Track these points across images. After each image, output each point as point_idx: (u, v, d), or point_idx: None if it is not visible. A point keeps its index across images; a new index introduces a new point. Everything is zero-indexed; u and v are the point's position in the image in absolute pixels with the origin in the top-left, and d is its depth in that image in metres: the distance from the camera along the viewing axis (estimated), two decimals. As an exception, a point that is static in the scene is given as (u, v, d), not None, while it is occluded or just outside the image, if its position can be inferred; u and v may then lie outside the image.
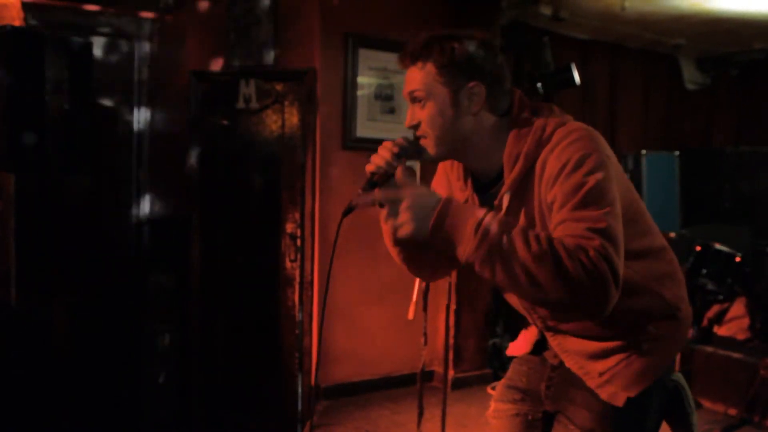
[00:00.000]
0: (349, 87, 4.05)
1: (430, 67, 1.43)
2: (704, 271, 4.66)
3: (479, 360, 4.53)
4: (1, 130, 3.45)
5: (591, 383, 1.53)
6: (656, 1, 4.33)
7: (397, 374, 4.39)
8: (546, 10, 4.71)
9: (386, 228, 1.53)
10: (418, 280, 3.50)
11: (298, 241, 4.02)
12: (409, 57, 1.46)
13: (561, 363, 1.62)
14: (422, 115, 1.46)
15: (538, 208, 1.42)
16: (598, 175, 1.32)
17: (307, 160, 3.98)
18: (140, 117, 4.58)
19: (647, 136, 5.80)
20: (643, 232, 1.49)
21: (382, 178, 1.42)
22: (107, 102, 4.42)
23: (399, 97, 4.16)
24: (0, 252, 3.45)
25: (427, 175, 1.82)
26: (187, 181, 4.19)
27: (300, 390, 4.12)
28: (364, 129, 4.10)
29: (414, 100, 1.47)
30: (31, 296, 3.59)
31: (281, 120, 4.08)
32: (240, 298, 4.21)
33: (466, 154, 1.50)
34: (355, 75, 4.06)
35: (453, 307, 4.05)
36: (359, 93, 4.09)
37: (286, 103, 4.06)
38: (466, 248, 1.27)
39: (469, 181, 1.55)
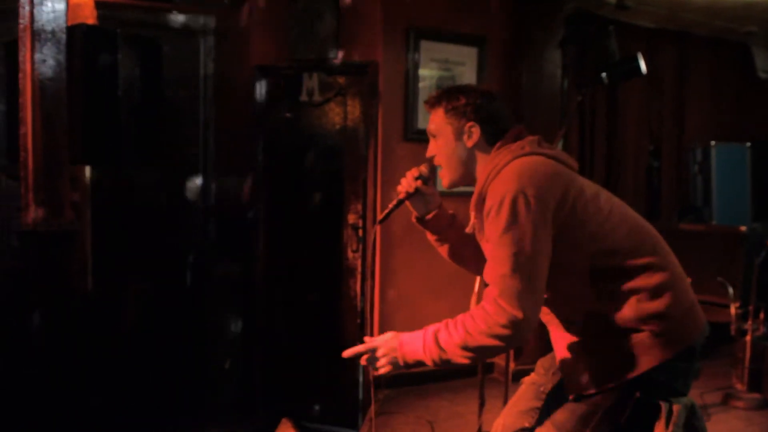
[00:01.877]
0: (410, 79, 4.07)
1: (440, 111, 1.85)
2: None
3: (539, 353, 4.48)
4: (78, 125, 3.60)
5: (564, 373, 1.81)
6: (727, -14, 4.20)
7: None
8: (611, -1, 4.61)
9: (427, 235, 2.06)
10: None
11: (360, 232, 4.07)
12: (427, 103, 1.91)
13: None
14: (436, 147, 1.88)
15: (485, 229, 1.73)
16: (512, 220, 1.60)
17: (369, 151, 4.02)
18: (206, 111, 4.70)
19: (717, 127, 5.61)
20: (602, 250, 1.68)
21: (408, 196, 1.98)
22: (175, 97, 4.55)
23: (460, 88, 4.15)
24: (77, 242, 3.60)
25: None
26: (252, 173, 4.29)
27: (361, 379, 4.17)
28: (425, 121, 4.09)
29: (430, 135, 1.90)
30: (106, 284, 3.75)
31: (344, 113, 4.13)
32: (303, 288, 4.29)
33: (470, 180, 1.85)
34: (416, 67, 4.07)
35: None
36: (420, 85, 4.10)
37: (349, 96, 4.10)
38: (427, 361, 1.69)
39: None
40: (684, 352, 1.64)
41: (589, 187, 1.74)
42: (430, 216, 1.99)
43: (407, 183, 1.96)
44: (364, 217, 4.06)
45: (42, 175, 3.35)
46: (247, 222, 4.33)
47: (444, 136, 1.84)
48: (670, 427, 1.61)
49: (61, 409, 3.29)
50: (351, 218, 4.10)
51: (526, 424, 1.88)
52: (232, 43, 4.60)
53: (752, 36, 5.30)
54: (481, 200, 1.74)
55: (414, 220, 2.05)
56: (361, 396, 4.19)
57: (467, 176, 1.85)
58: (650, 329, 1.63)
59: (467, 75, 4.20)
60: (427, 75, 4.11)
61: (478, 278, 3.45)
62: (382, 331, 4.20)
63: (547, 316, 1.80)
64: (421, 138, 4.15)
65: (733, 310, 4.08)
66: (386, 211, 1.99)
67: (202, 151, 4.58)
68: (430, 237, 2.05)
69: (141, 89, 3.98)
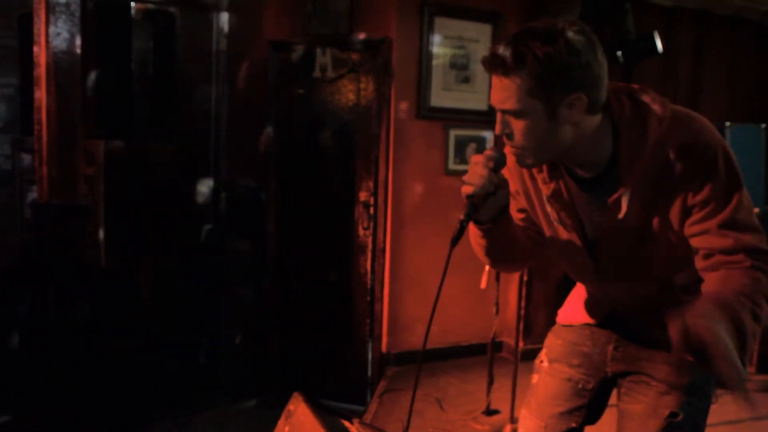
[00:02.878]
0: (424, 56, 4.03)
1: (523, 80, 1.29)
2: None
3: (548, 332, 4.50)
4: (91, 99, 3.61)
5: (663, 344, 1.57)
6: (748, -36, 4.13)
7: (467, 343, 4.41)
8: (628, -24, 4.54)
9: (478, 241, 1.55)
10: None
11: (372, 210, 4.07)
12: (500, 69, 1.31)
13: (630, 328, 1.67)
14: (516, 127, 1.36)
15: (680, 206, 1.39)
16: (736, 175, 1.35)
17: (381, 129, 4.00)
18: (219, 87, 4.70)
19: (733, 107, 5.54)
20: None
21: (482, 200, 1.41)
22: (189, 72, 4.55)
23: (474, 65, 4.12)
24: (91, 216, 3.62)
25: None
26: (264, 148, 4.29)
27: (370, 355, 4.21)
28: (438, 98, 4.08)
29: (507, 112, 1.35)
30: (118, 257, 3.78)
31: (356, 89, 4.12)
32: (314, 264, 4.31)
33: (569, 154, 1.42)
34: (430, 44, 4.04)
35: (525, 278, 4.02)
36: (434, 62, 4.07)
37: (362, 72, 4.08)
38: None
39: (562, 173, 1.49)
40: None
41: None
42: (501, 214, 1.48)
43: (480, 178, 1.39)
44: (375, 195, 4.06)
45: (56, 148, 3.37)
46: (259, 198, 4.34)
47: (532, 116, 1.32)
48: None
49: (73, 381, 3.34)
50: (362, 196, 4.11)
51: (573, 425, 1.74)
52: (245, 18, 4.58)
53: (772, 15, 5.22)
54: (649, 164, 1.36)
55: (473, 225, 1.51)
56: (370, 372, 4.23)
57: (562, 154, 1.42)
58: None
59: (482, 52, 4.16)
60: (441, 52, 4.08)
61: (487, 267, 3.45)
62: (391, 309, 4.23)
63: (635, 297, 1.61)
64: (434, 116, 4.15)
65: (744, 292, 4.06)
66: (458, 228, 1.41)
67: (214, 127, 4.59)
68: (478, 235, 1.54)
69: (154, 63, 3.98)
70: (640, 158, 1.37)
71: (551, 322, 1.97)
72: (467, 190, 1.40)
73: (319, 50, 4.13)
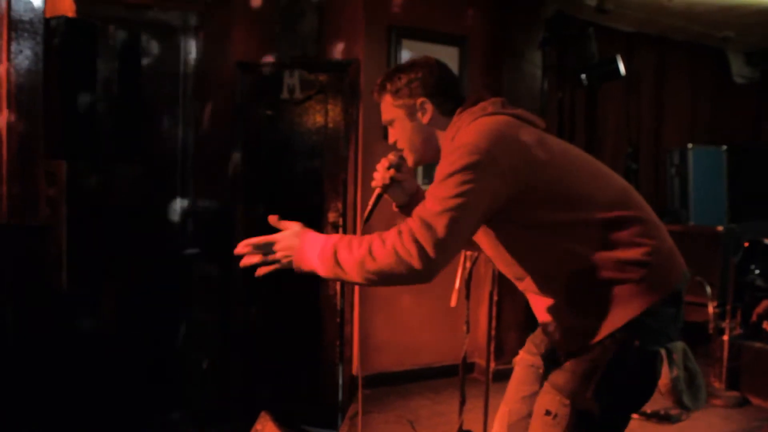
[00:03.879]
0: (392, 77, 4.06)
1: (387, 97, 1.81)
2: (753, 266, 4.56)
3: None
4: (54, 119, 3.54)
5: (554, 338, 1.72)
6: (704, -10, 4.27)
7: (438, 365, 4.38)
8: (591, 2, 4.65)
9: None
10: (461, 269, 3.49)
11: (341, 231, 4.05)
12: (375, 93, 1.86)
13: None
14: (393, 134, 1.85)
15: None
16: (458, 177, 1.54)
17: (349, 150, 4.00)
18: (186, 109, 4.66)
19: (694, 130, 5.68)
20: (571, 205, 1.62)
21: (384, 190, 1.93)
22: (155, 94, 4.50)
23: (442, 87, 4.16)
24: (52, 238, 3.53)
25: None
26: (232, 170, 4.25)
27: (341, 379, 4.14)
28: (406, 120, 4.10)
29: (387, 124, 1.86)
30: (81, 281, 3.68)
31: (324, 110, 4.12)
32: (282, 287, 4.25)
33: (436, 155, 1.80)
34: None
35: (495, 297, 4.02)
36: (402, 83, 4.09)
37: (330, 94, 4.09)
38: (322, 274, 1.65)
39: None
40: (670, 297, 1.63)
41: (558, 143, 1.70)
42: (410, 201, 1.95)
43: (380, 176, 1.91)
44: (344, 216, 4.04)
45: (17, 168, 3.29)
46: (226, 221, 4.29)
47: (398, 120, 1.80)
48: (674, 371, 1.59)
49: (31, 409, 3.22)
50: (331, 217, 4.08)
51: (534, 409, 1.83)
52: (213, 40, 4.56)
53: (728, 41, 5.39)
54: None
55: (396, 209, 2.01)
56: (341, 396, 4.16)
57: (431, 153, 1.81)
58: (632, 277, 1.58)
59: (449, 74, 4.21)
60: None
61: (459, 274, 3.45)
62: (362, 331, 4.18)
63: (524, 282, 1.73)
64: (403, 137, 4.17)
65: (710, 309, 4.12)
66: (368, 209, 1.94)
67: (181, 149, 4.54)
68: (401, 214, 2.00)
69: (119, 84, 3.92)
70: (441, 153, 1.78)
71: (522, 341, 2.05)
72: (374, 184, 1.93)
73: (287, 72, 4.13)
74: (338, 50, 4.05)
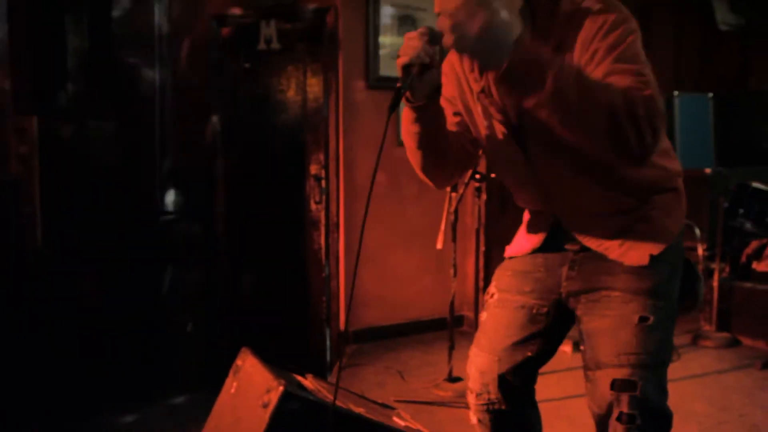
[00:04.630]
0: (370, 24, 3.96)
1: None
2: (741, 210, 4.52)
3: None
4: (24, 73, 3.43)
5: (613, 255, 1.56)
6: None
7: (428, 318, 4.33)
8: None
9: (411, 128, 1.53)
10: (445, 213, 3.43)
11: (323, 183, 3.96)
12: None
13: (581, 246, 1.61)
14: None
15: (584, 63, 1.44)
16: (634, 36, 1.42)
17: (330, 100, 3.91)
18: (162, 67, 4.54)
19: (680, 78, 5.62)
20: None
21: (421, 69, 1.36)
22: (129, 51, 4.38)
23: (422, 34, 4.06)
24: (25, 195, 3.43)
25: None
26: (210, 127, 4.15)
27: (328, 334, 4.08)
28: (388, 68, 4.01)
29: None
30: (57, 240, 3.58)
31: (303, 60, 4.01)
32: (266, 243, 4.18)
33: (506, 35, 1.36)
34: (376, 12, 3.97)
35: (482, 248, 3.97)
36: (381, 30, 3.99)
37: (308, 42, 3.98)
38: (542, 86, 1.28)
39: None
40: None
41: None
42: (428, 105, 1.47)
43: (415, 49, 1.35)
44: (326, 168, 3.95)
45: (-17, 122, 3.18)
46: (206, 178, 4.19)
47: None
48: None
49: (14, 375, 3.15)
50: (313, 169, 3.99)
51: (529, 353, 1.67)
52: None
53: (712, -14, 5.31)
54: (562, 39, 1.44)
55: (407, 103, 1.47)
56: (329, 351, 4.10)
57: (511, 30, 1.31)
58: (677, 186, 1.63)
59: (428, 20, 4.11)
60: (388, 20, 4.00)
61: (444, 216, 3.38)
62: (347, 284, 4.12)
63: (577, 198, 1.56)
64: (384, 85, 4.07)
65: (700, 251, 4.08)
66: (394, 95, 1.37)
67: (158, 107, 4.43)
68: (411, 119, 1.52)
69: (90, 39, 3.82)
70: (552, 33, 1.45)
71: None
72: (403, 60, 1.37)
73: (263, 22, 4.01)
74: (315, -2, 3.95)
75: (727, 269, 4.19)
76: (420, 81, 1.39)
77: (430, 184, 1.69)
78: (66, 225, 3.67)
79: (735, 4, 5.73)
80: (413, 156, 1.62)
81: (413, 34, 1.38)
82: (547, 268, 1.68)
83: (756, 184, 4.39)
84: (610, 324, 1.54)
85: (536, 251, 1.70)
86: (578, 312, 1.62)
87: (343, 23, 3.93)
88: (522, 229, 1.80)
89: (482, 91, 1.56)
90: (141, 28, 4.40)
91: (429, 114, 1.49)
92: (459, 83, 1.63)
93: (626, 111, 1.26)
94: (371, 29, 3.94)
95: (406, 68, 1.36)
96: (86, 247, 3.85)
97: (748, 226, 4.49)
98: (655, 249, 1.54)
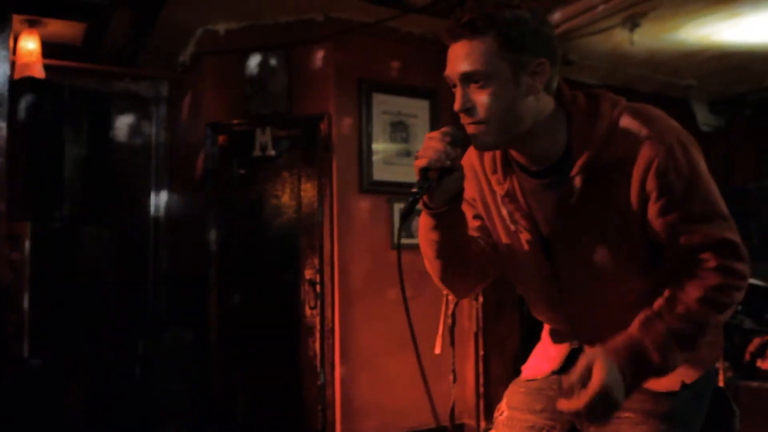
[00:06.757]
0: (363, 131, 4.05)
1: (492, 40, 1.25)
2: (740, 307, 4.49)
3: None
4: (19, 179, 3.45)
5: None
6: (664, 37, 4.36)
7: (427, 427, 4.16)
8: (555, 55, 4.75)
9: (429, 235, 1.41)
10: (443, 316, 3.37)
11: (318, 288, 3.92)
12: (469, 28, 1.25)
13: None
14: (480, 98, 1.28)
15: (636, 196, 1.32)
16: (696, 162, 1.30)
17: (324, 205, 3.93)
18: (159, 176, 4.60)
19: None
20: None
21: (439, 173, 1.28)
22: (127, 162, 4.46)
23: (414, 139, 4.15)
24: (14, 303, 3.37)
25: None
26: (204, 233, 4.14)
27: (324, 446, 3.91)
28: (381, 172, 4.07)
29: (468, 80, 1.28)
30: (44, 349, 3.49)
31: (298, 166, 4.07)
32: (260, 350, 4.09)
33: (524, 139, 1.34)
34: (369, 119, 4.07)
35: (481, 352, 3.88)
36: (374, 137, 4.08)
37: (302, 148, 4.06)
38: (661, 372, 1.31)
39: (515, 169, 1.42)
40: None
41: None
42: (449, 211, 1.36)
43: (436, 151, 1.27)
44: (321, 272, 3.92)
45: (-24, 230, 3.16)
46: (199, 284, 4.14)
47: (497, 80, 1.26)
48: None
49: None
50: (308, 273, 3.96)
51: None
52: (185, 106, 4.56)
53: (691, 90, 5.50)
54: (600, 149, 1.31)
55: (425, 209, 1.36)
56: (324, 464, 3.92)
57: (521, 136, 1.32)
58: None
59: (420, 126, 4.21)
60: (381, 127, 4.10)
61: (440, 328, 3.32)
62: (343, 393, 3.98)
63: (608, 322, 1.40)
64: (377, 189, 4.11)
65: (702, 350, 4.00)
66: (409, 201, 1.27)
67: (153, 214, 4.45)
68: (429, 226, 1.40)
69: (88, 145, 3.87)
70: (592, 143, 1.31)
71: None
72: (421, 162, 1.27)
73: (258, 129, 4.11)
74: (309, 106, 4.05)
75: (731, 370, 4.09)
76: (439, 185, 1.30)
77: (451, 295, 1.60)
78: (54, 333, 3.59)
79: (714, 106, 5.93)
80: (432, 266, 1.49)
81: (435, 134, 1.30)
82: (560, 386, 1.56)
83: (752, 281, 4.38)
84: None
85: (555, 373, 1.59)
86: (591, 430, 1.49)
87: (337, 130, 4.02)
88: (540, 348, 1.69)
89: (506, 194, 1.43)
90: (139, 140, 4.50)
91: (449, 221, 1.37)
92: (479, 183, 1.51)
93: (722, 315, 1.30)
94: (364, 136, 4.03)
95: (424, 172, 1.27)
96: (74, 356, 3.75)
97: (748, 323, 4.45)
98: (689, 377, 1.43)
